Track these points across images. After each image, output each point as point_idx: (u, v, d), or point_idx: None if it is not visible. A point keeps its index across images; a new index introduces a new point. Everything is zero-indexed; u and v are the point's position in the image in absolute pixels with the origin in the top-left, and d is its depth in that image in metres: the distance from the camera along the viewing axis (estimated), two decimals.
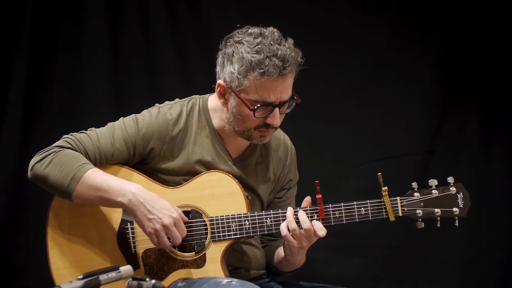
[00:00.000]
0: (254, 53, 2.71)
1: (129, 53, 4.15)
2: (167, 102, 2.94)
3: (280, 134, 3.04)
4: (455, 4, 4.28)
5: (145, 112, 2.89)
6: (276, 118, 2.77)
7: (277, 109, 2.76)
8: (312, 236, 2.76)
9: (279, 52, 2.70)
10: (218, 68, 2.82)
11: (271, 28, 2.77)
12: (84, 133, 2.83)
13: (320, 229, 2.76)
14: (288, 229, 2.76)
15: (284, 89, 2.75)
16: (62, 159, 2.72)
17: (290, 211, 2.78)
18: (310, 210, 2.82)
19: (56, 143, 2.79)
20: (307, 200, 2.82)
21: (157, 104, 2.94)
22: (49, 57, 4.06)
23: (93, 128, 2.85)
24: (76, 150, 2.76)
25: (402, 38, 4.32)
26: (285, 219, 2.79)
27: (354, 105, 4.29)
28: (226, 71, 2.76)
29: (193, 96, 2.96)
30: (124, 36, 4.15)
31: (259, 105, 2.74)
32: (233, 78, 2.74)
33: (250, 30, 2.77)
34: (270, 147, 3.00)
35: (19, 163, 3.95)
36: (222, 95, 2.81)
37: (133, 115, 2.87)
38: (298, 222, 2.77)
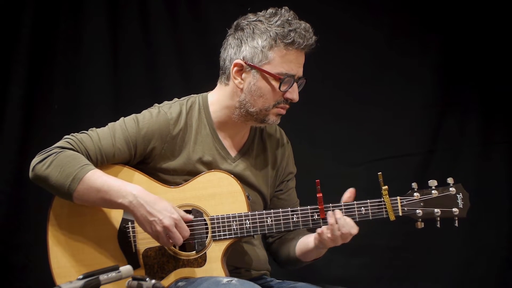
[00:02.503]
0: (277, 27, 2.78)
1: (129, 52, 4.15)
2: (166, 102, 2.94)
3: (276, 128, 3.06)
4: (455, 4, 4.28)
5: (145, 112, 2.89)
6: (296, 92, 2.83)
7: (296, 84, 2.82)
8: (349, 237, 2.78)
9: (302, 25, 2.79)
10: (229, 52, 2.84)
11: (284, 7, 2.83)
12: (85, 133, 2.83)
13: (353, 228, 2.77)
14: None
15: (302, 64, 2.83)
16: (63, 160, 2.72)
17: (332, 218, 2.77)
18: (311, 209, 2.82)
19: (57, 144, 2.79)
20: (350, 191, 2.83)
21: (156, 104, 2.94)
22: (49, 57, 4.06)
23: (94, 128, 2.85)
24: (77, 151, 2.76)
25: (402, 38, 4.32)
26: (286, 218, 2.81)
27: (354, 104, 4.29)
28: (246, 48, 2.80)
29: (192, 95, 2.97)
30: (124, 35, 4.16)
31: (285, 77, 2.78)
32: (256, 53, 2.79)
33: (261, 13, 2.84)
34: (267, 141, 3.01)
35: (19, 163, 3.95)
36: (238, 75, 2.83)
37: (133, 115, 2.87)
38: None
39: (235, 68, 2.83)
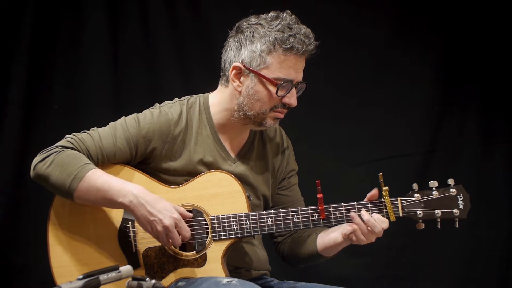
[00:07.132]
0: (277, 31, 2.77)
1: (129, 52, 4.16)
2: (166, 102, 2.94)
3: (276, 128, 3.06)
4: (455, 4, 4.28)
5: (146, 111, 2.89)
6: (294, 97, 2.83)
7: (294, 89, 2.81)
8: (382, 232, 2.78)
9: (302, 30, 2.78)
10: (230, 54, 2.84)
11: (286, 11, 2.82)
12: (86, 133, 2.83)
13: (383, 222, 2.77)
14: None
15: (302, 69, 2.82)
16: (64, 159, 2.73)
17: (357, 218, 2.78)
18: (311, 209, 2.82)
19: (59, 143, 2.79)
20: (374, 194, 2.82)
21: (156, 104, 2.94)
22: (49, 57, 4.06)
23: (95, 127, 2.85)
24: (78, 150, 2.77)
25: (402, 38, 4.32)
26: (286, 219, 2.81)
27: (354, 105, 4.29)
28: (245, 52, 2.80)
29: (192, 95, 2.97)
30: (124, 35, 4.16)
31: (282, 82, 2.77)
32: (255, 57, 2.78)
33: (263, 16, 2.83)
34: (267, 141, 3.01)
35: (19, 163, 3.95)
36: (237, 78, 2.83)
37: (134, 115, 2.87)
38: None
39: (234, 71, 2.83)
